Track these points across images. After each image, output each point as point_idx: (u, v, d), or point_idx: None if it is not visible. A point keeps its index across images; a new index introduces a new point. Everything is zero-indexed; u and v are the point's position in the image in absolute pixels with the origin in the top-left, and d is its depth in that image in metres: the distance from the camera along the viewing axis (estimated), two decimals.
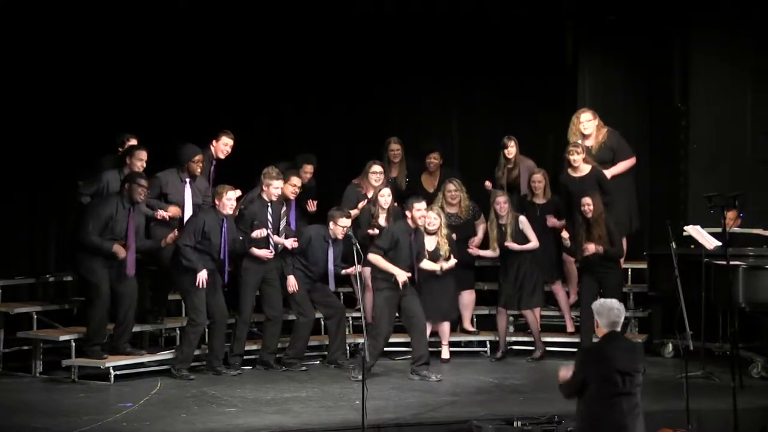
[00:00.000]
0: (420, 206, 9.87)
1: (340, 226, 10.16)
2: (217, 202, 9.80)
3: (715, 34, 11.56)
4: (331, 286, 10.34)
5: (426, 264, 10.11)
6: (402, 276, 9.72)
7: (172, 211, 10.07)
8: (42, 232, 11.13)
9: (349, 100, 12.16)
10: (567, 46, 12.21)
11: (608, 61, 12.12)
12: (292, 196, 10.52)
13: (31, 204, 11.02)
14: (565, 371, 6.69)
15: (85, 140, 10.59)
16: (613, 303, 6.66)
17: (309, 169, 10.94)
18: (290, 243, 10.15)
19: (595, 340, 7.01)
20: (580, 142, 10.92)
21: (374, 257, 9.71)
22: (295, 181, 10.51)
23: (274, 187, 10.10)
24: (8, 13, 10.36)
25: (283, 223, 10.36)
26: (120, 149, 10.14)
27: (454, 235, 10.41)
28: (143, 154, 9.94)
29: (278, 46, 11.83)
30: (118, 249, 9.53)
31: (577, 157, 10.72)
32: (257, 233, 9.97)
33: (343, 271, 10.28)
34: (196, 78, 11.44)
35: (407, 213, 9.92)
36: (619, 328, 6.62)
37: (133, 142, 10.17)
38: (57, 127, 10.75)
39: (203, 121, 10.93)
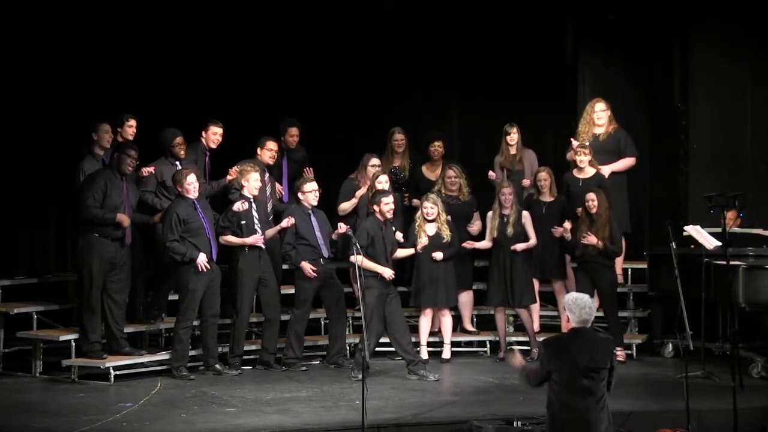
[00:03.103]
0: (387, 200, 9.95)
1: (308, 191, 10.22)
2: (179, 189, 9.79)
3: (715, 34, 11.57)
4: (325, 253, 10.29)
5: (399, 252, 10.17)
6: (387, 272, 9.80)
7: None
8: (42, 232, 11.13)
9: (349, 99, 12.15)
10: (567, 46, 12.22)
11: (608, 61, 12.14)
12: (271, 161, 10.61)
13: (31, 204, 11.02)
14: (515, 358, 6.88)
15: (85, 140, 10.57)
16: (586, 301, 6.68)
17: (294, 132, 11.09)
18: (286, 222, 10.14)
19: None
20: (587, 143, 10.95)
21: (359, 258, 9.72)
22: (271, 145, 10.61)
23: (254, 179, 10.10)
24: (4, 14, 10.38)
25: (270, 206, 10.47)
26: (119, 129, 10.21)
27: (449, 217, 10.43)
28: (107, 126, 10.04)
29: (279, 45, 11.83)
30: (122, 218, 9.55)
31: (584, 158, 10.75)
32: (238, 206, 9.93)
33: (334, 234, 10.23)
34: (195, 74, 11.43)
35: (375, 207, 9.97)
36: (589, 326, 6.63)
37: (132, 122, 10.25)
38: (57, 126, 10.74)
39: (203, 120, 10.88)
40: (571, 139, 11.06)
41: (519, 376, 6.85)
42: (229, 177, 10.38)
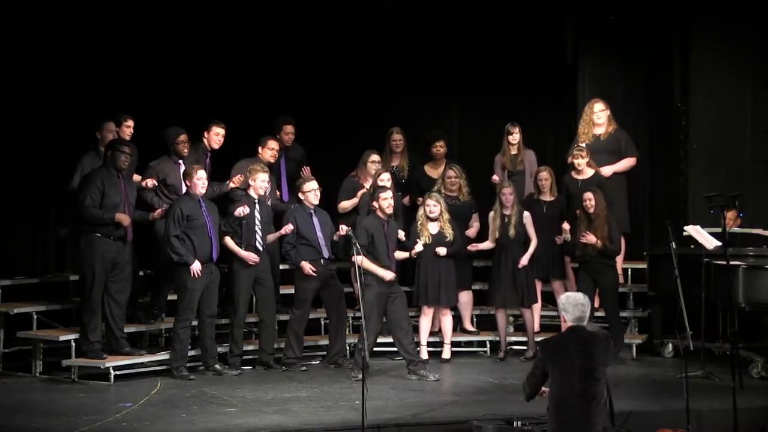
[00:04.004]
0: (385, 195, 9.95)
1: (308, 191, 10.22)
2: (188, 184, 9.81)
3: (715, 34, 11.58)
4: (326, 254, 10.27)
5: (397, 254, 10.14)
6: (388, 275, 9.80)
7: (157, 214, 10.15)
8: (42, 232, 11.13)
9: (349, 99, 12.14)
10: (567, 46, 12.23)
11: (608, 61, 12.15)
12: (272, 160, 10.62)
13: (31, 204, 11.02)
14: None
15: (85, 140, 10.58)
16: (578, 298, 6.69)
17: (289, 129, 11.16)
18: (284, 230, 10.13)
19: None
20: (584, 145, 10.96)
21: (359, 258, 9.73)
22: (272, 144, 10.65)
23: (261, 180, 10.10)
24: (4, 14, 10.38)
25: (269, 204, 10.40)
26: (117, 128, 10.18)
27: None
28: (111, 126, 10.05)
29: (279, 45, 11.84)
30: (121, 217, 9.53)
31: (581, 161, 10.79)
32: (240, 210, 9.92)
33: (335, 236, 10.20)
34: (195, 75, 11.44)
35: (374, 204, 9.96)
36: (584, 323, 6.61)
37: (130, 123, 10.21)
38: (57, 126, 10.74)
39: (202, 120, 10.89)
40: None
41: (523, 388, 6.80)
42: (231, 184, 10.38)
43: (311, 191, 10.25)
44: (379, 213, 9.98)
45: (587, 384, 6.47)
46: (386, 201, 9.95)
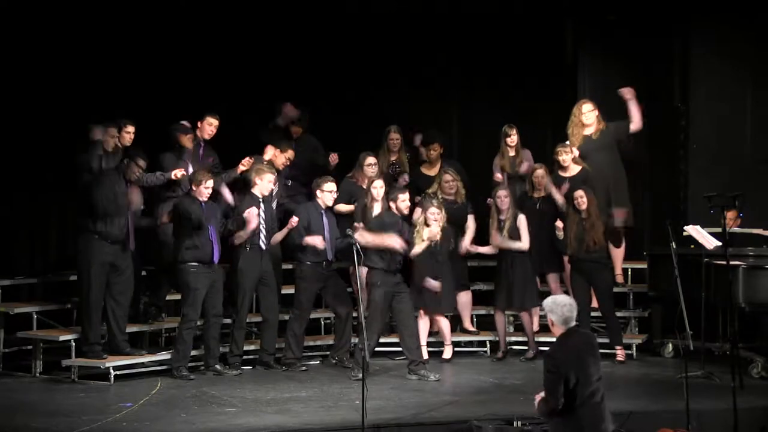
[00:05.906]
0: (404, 197, 9.95)
1: (326, 191, 10.22)
2: (194, 188, 9.82)
3: (715, 34, 11.58)
4: (329, 256, 10.27)
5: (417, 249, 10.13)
6: (396, 242, 9.72)
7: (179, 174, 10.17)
8: (42, 232, 11.13)
9: (349, 99, 12.16)
10: (567, 46, 12.24)
11: (608, 61, 12.14)
12: (281, 167, 10.68)
13: (31, 204, 11.02)
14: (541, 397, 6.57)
15: (85, 140, 10.57)
16: (564, 299, 6.60)
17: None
18: (291, 222, 10.14)
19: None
20: (568, 143, 10.98)
21: (362, 235, 9.69)
22: (290, 154, 10.72)
23: (268, 181, 10.10)
24: (4, 13, 10.39)
25: (274, 204, 10.44)
26: (117, 134, 10.16)
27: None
28: (113, 131, 10.01)
29: (279, 45, 11.85)
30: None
31: (566, 157, 10.83)
32: (248, 212, 9.92)
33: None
34: (194, 72, 11.44)
35: (392, 204, 9.97)
36: (573, 324, 6.56)
37: (130, 129, 10.17)
38: (57, 126, 10.72)
39: (198, 116, 10.89)
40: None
41: (537, 409, 6.62)
42: (241, 167, 10.39)
43: (330, 192, 10.25)
44: (396, 212, 9.96)
45: (598, 386, 6.44)
46: (404, 203, 9.92)
